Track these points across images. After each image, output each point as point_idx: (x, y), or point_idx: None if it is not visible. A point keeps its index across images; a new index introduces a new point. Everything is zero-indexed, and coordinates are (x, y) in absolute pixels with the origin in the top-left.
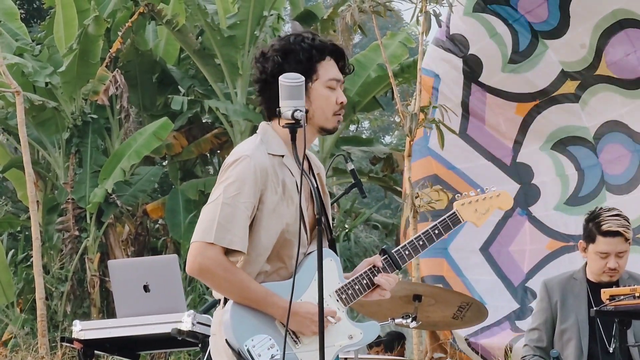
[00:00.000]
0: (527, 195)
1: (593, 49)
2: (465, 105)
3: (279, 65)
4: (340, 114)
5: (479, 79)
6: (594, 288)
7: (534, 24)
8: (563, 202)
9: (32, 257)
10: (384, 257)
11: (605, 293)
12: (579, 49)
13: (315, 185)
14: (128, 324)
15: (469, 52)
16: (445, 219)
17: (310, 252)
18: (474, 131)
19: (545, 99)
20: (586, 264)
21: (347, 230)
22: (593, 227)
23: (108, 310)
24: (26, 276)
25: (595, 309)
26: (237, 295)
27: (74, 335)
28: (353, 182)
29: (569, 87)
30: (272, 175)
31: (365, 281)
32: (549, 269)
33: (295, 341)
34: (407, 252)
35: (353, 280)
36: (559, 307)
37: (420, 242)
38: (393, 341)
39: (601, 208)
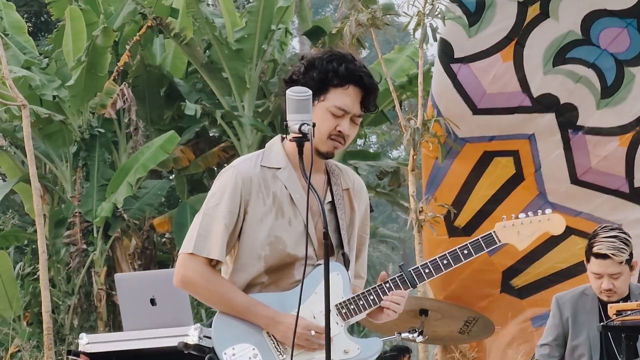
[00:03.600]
0: None
1: None
2: (568, 154)
3: (298, 74)
4: (337, 141)
5: (577, 124)
6: (606, 304)
7: (617, 55)
8: None
9: (38, 270)
10: (399, 274)
11: (612, 308)
12: None
13: (323, 200)
14: (135, 338)
15: (561, 103)
16: (478, 239)
17: (318, 265)
18: (586, 175)
19: None
20: None
21: None
22: (588, 247)
23: (115, 324)
24: (33, 289)
25: (601, 324)
26: (221, 306)
27: (81, 349)
28: None
29: None
30: (260, 186)
31: (372, 297)
32: None
33: (280, 351)
34: (427, 271)
35: (358, 295)
36: (571, 323)
37: (445, 262)
38: (399, 355)
39: (604, 226)
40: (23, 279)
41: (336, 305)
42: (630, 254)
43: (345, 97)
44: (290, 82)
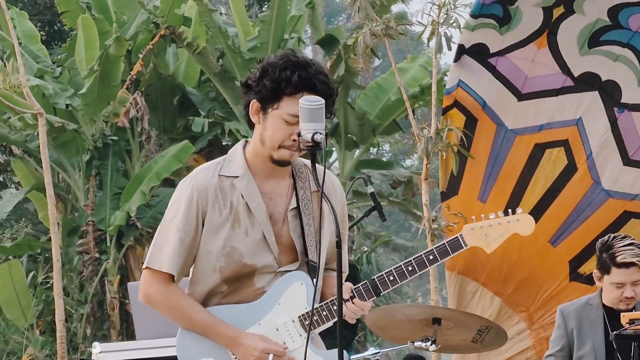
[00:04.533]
0: None
1: None
2: (617, 134)
3: (253, 79)
4: (291, 150)
5: (621, 101)
6: (611, 313)
7: None
8: None
9: (52, 279)
10: (363, 283)
11: (625, 317)
12: None
13: (287, 206)
14: (147, 346)
15: (603, 80)
16: (444, 243)
17: (283, 274)
18: (638, 154)
19: None
20: (602, 289)
21: (367, 253)
22: (607, 259)
23: (127, 333)
24: (46, 298)
25: (614, 332)
26: (182, 323)
27: (94, 358)
28: (373, 205)
29: None
30: (217, 197)
31: (335, 307)
32: None
33: None
34: (391, 278)
35: (321, 305)
36: (575, 334)
37: (409, 268)
38: None
39: (614, 237)
40: (36, 287)
41: (299, 317)
42: None
43: (296, 105)
44: (246, 86)
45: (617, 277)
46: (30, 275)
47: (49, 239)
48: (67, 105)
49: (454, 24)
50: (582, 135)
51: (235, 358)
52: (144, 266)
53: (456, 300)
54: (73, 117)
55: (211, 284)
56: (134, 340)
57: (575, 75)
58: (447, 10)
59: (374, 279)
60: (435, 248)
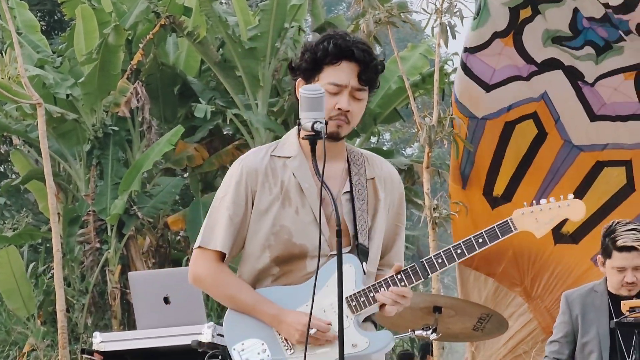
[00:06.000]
0: None
1: None
2: (582, 99)
3: (295, 60)
4: (339, 119)
5: (584, 80)
6: (615, 300)
7: (604, 37)
8: None
9: (52, 269)
10: (411, 265)
11: (625, 305)
12: None
13: (340, 190)
14: (148, 336)
15: (566, 65)
16: (494, 227)
17: (332, 257)
18: (605, 110)
19: None
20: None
21: None
22: (609, 243)
23: (129, 322)
24: (47, 288)
25: (615, 320)
26: (228, 303)
27: (95, 347)
28: None
29: None
30: (267, 176)
31: (382, 289)
32: None
33: (288, 347)
34: (439, 261)
35: (369, 287)
36: (580, 321)
37: (459, 251)
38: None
39: (618, 222)
40: (37, 277)
41: (346, 298)
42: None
43: (338, 73)
44: (291, 69)
45: (617, 261)
46: (32, 265)
47: (50, 229)
48: (68, 95)
49: (457, 13)
50: (548, 105)
51: (281, 336)
52: (195, 246)
53: (460, 288)
54: (74, 107)
55: (261, 264)
56: (135, 330)
57: (539, 61)
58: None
59: (423, 261)
60: (484, 231)
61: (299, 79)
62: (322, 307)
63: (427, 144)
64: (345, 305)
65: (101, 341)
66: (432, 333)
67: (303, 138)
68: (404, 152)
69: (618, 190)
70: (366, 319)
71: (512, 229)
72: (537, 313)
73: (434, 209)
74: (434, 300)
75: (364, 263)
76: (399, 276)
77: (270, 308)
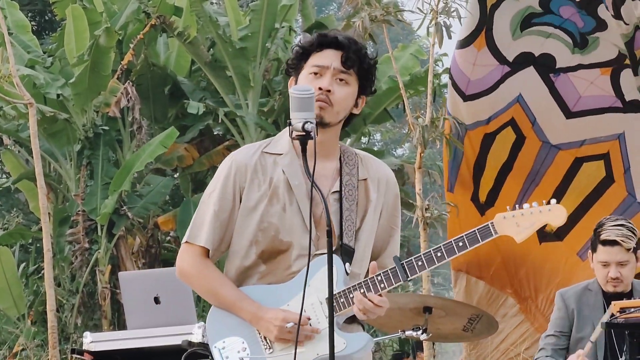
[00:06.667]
0: None
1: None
2: (556, 94)
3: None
4: (320, 100)
5: (557, 67)
6: (610, 298)
7: (578, 28)
8: None
9: (43, 269)
10: (391, 267)
11: (615, 305)
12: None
13: (329, 189)
14: (139, 336)
15: (537, 56)
16: (474, 230)
17: (316, 256)
18: (580, 105)
19: (617, 64)
20: None
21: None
22: (595, 237)
23: (119, 322)
24: (37, 288)
25: (605, 321)
26: (211, 299)
27: (85, 347)
28: None
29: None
30: (257, 172)
31: (362, 290)
32: None
33: (267, 346)
34: (419, 263)
35: (349, 288)
36: (576, 316)
37: (438, 254)
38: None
39: (608, 218)
40: (27, 277)
41: (326, 299)
42: (638, 244)
43: (321, 57)
44: (286, 72)
45: (601, 255)
46: (22, 265)
47: (41, 229)
48: (58, 95)
49: (454, 14)
50: (524, 108)
51: (261, 335)
52: (183, 241)
53: (456, 294)
54: (64, 107)
55: (248, 260)
56: (125, 330)
57: (511, 60)
58: (447, 0)
59: (403, 263)
60: (465, 235)
61: (292, 77)
62: (304, 306)
63: (420, 144)
64: (325, 306)
65: (91, 341)
66: (422, 333)
67: (294, 138)
68: (394, 152)
69: (598, 183)
70: (352, 320)
71: (493, 232)
72: (529, 314)
73: (426, 209)
74: (424, 300)
75: (347, 264)
76: (378, 278)
77: (250, 305)
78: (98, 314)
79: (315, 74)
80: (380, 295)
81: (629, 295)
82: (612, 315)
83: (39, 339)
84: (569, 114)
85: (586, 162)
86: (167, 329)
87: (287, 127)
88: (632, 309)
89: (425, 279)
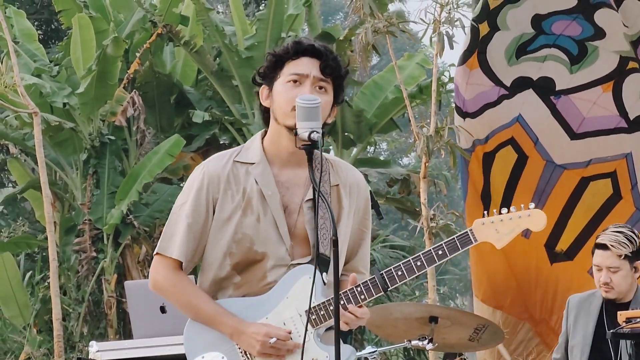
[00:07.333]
0: None
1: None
2: (558, 116)
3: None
4: None
5: (557, 89)
6: (610, 306)
7: (573, 37)
8: None
9: (49, 278)
10: (371, 278)
11: (621, 315)
12: (624, 41)
13: (303, 198)
14: (144, 345)
15: (535, 80)
16: (453, 238)
17: (293, 267)
18: (585, 127)
19: (619, 76)
20: None
21: None
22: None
23: (125, 332)
24: (43, 297)
25: (611, 331)
26: (189, 313)
27: (91, 356)
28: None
29: (634, 64)
30: (230, 183)
31: (342, 302)
32: None
33: None
34: (399, 273)
35: (328, 300)
36: (572, 325)
37: (418, 263)
38: None
39: (616, 224)
40: (33, 286)
41: (305, 311)
42: (634, 253)
43: (298, 65)
44: (255, 82)
45: (595, 259)
46: (28, 274)
47: (47, 238)
48: (65, 104)
49: (457, 23)
50: (525, 127)
51: (240, 349)
52: (154, 252)
53: None
54: (70, 116)
55: (223, 271)
56: (131, 339)
57: (508, 84)
58: (450, 10)
59: (382, 273)
60: (444, 243)
61: (263, 86)
62: (282, 319)
63: (425, 154)
64: (304, 319)
65: (97, 350)
66: (428, 343)
67: (299, 148)
68: (400, 161)
69: (605, 200)
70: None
71: (472, 240)
72: (544, 336)
73: (431, 218)
74: (429, 310)
75: (324, 274)
76: (358, 289)
77: (231, 319)
78: (104, 323)
79: (295, 81)
80: (360, 306)
81: (627, 304)
82: (612, 320)
83: (45, 348)
84: (573, 135)
85: (593, 180)
86: (173, 338)
87: (258, 134)
88: (639, 319)
89: (431, 288)
